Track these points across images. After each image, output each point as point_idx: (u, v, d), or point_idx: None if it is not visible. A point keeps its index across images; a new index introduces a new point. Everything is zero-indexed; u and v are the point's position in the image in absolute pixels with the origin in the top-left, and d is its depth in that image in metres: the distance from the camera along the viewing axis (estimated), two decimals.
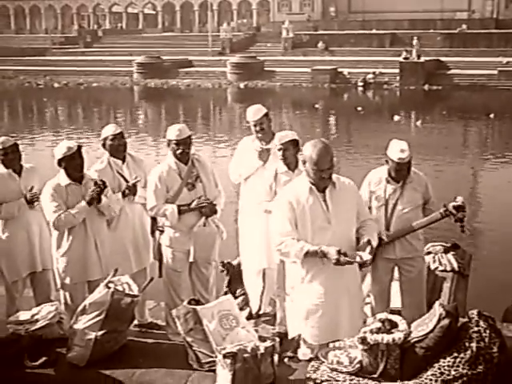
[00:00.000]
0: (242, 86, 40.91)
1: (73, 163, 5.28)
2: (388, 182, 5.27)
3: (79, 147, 5.30)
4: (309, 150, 4.29)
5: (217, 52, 49.34)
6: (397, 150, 5.10)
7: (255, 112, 6.01)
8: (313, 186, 4.37)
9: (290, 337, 4.72)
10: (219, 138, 23.25)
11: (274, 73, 42.09)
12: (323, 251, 4.25)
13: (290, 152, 5.46)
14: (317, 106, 31.76)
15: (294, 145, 5.48)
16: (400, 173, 5.18)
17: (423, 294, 5.46)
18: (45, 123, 29.66)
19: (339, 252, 4.18)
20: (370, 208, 5.30)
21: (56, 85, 44.25)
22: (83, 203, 5.26)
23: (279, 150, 5.48)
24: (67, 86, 43.76)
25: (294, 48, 47.79)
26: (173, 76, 44.06)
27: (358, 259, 4.26)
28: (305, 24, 53.30)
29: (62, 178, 5.33)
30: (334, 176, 4.42)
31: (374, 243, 4.43)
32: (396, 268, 5.46)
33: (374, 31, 48.90)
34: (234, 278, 6.49)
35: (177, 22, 71.35)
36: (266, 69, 42.78)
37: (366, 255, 4.27)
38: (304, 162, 4.36)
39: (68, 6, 75.48)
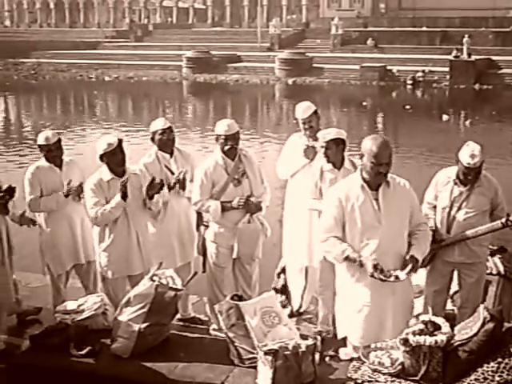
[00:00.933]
0: (290, 82, 40.81)
1: (114, 158, 5.32)
2: (455, 183, 5.13)
3: (120, 141, 5.35)
4: (368, 144, 4.25)
5: (265, 48, 49.29)
6: (467, 153, 4.95)
7: (304, 110, 5.99)
8: (365, 184, 4.34)
9: (338, 337, 4.69)
10: (266, 134, 23.24)
11: (323, 69, 41.86)
12: (361, 261, 4.24)
13: (332, 151, 5.41)
14: (365, 103, 31.53)
15: (337, 143, 5.43)
16: (468, 177, 5.03)
17: (480, 299, 5.31)
18: (95, 116, 30.08)
19: (375, 267, 4.16)
20: (434, 207, 5.24)
21: (107, 78, 44.83)
22: (117, 197, 5.26)
23: (321, 147, 5.46)
24: (118, 80, 44.29)
25: (343, 45, 47.46)
26: (222, 71, 44.19)
27: (392, 279, 4.20)
28: (354, 20, 52.87)
29: (105, 173, 5.39)
30: (389, 175, 4.36)
31: (420, 257, 4.33)
32: (455, 272, 5.35)
33: (424, 29, 48.23)
34: None
35: (226, 17, 71.58)
36: (314, 65, 42.58)
37: (403, 275, 4.21)
38: (361, 156, 4.31)
39: (120, 1, 76.44)
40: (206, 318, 5.90)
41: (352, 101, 33.11)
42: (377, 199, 4.33)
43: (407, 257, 4.29)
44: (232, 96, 36.65)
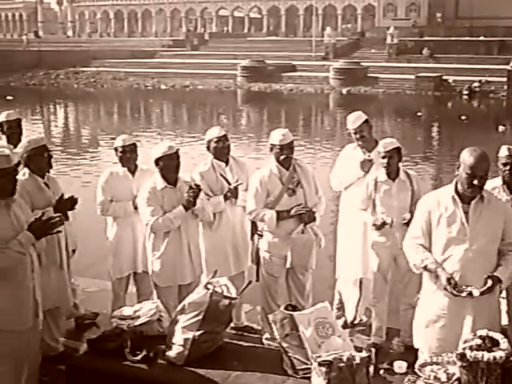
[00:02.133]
0: (344, 91, 40.63)
1: (170, 163, 5.31)
2: (503, 190, 5.08)
3: (177, 149, 5.37)
4: (466, 155, 4.16)
5: (320, 57, 49.23)
6: (505, 149, 5.05)
7: (355, 119, 5.96)
8: (456, 196, 4.24)
9: (415, 346, 4.62)
10: (320, 143, 23.17)
11: (378, 79, 41.57)
12: (437, 273, 4.20)
13: (394, 160, 5.40)
14: (419, 113, 31.16)
15: (397, 152, 5.42)
16: (506, 167, 5.03)
17: None
18: (151, 124, 30.46)
19: (449, 280, 4.10)
20: None
21: (163, 87, 45.40)
22: (180, 208, 5.30)
23: (383, 157, 5.42)
24: (173, 88, 44.83)
25: (399, 54, 47.05)
26: (276, 80, 44.29)
27: (463, 294, 4.10)
28: (410, 30, 52.40)
29: (158, 182, 5.39)
30: (485, 191, 4.28)
31: (504, 279, 4.18)
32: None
33: (481, 38, 47.46)
34: None
35: (281, 26, 71.80)
36: (369, 75, 42.31)
37: (476, 292, 4.08)
38: (458, 167, 4.23)
39: (177, 10, 77.57)
40: (259, 327, 5.91)
41: (407, 111, 32.75)
42: (467, 212, 4.23)
43: (488, 275, 4.16)
44: (286, 105, 36.71)
